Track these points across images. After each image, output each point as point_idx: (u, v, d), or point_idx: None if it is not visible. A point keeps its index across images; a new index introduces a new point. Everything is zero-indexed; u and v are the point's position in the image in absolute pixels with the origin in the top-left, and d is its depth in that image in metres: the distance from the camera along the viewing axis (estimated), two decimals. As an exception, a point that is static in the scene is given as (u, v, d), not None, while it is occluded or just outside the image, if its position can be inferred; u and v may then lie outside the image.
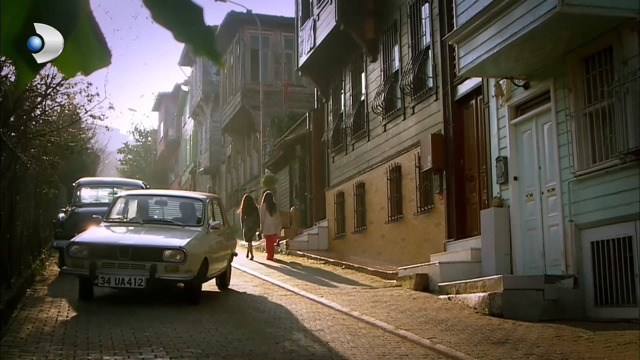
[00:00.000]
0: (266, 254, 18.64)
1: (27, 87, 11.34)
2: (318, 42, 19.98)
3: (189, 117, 47.72)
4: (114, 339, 7.28)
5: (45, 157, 15.17)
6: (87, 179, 17.56)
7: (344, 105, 20.40)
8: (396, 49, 16.75)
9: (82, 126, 20.72)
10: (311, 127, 23.59)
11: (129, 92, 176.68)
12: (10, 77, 11.80)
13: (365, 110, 18.45)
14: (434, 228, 14.23)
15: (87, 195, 15.39)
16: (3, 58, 10.00)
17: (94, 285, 9.85)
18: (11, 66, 10.96)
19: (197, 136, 45.80)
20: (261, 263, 17.49)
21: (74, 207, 14.37)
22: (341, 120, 20.38)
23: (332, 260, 16.94)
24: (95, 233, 10.59)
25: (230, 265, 12.68)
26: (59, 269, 14.03)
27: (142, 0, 1.25)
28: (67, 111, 16.28)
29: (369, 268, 14.70)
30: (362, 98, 18.92)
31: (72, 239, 10.14)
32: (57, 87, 13.54)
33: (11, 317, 8.36)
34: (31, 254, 13.46)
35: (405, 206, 15.87)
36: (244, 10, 31.01)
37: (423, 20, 15.37)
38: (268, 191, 19.99)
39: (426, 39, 15.16)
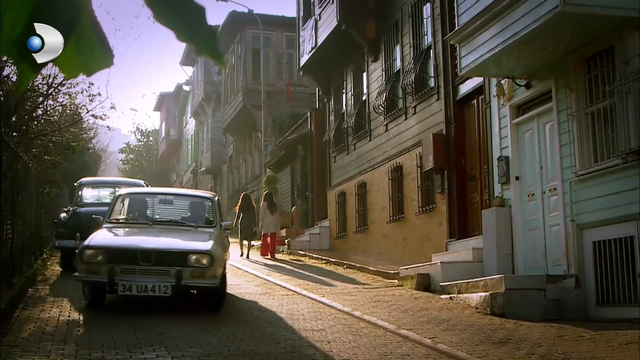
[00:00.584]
0: (259, 252, 18.74)
1: (28, 87, 11.33)
2: (319, 41, 19.97)
3: (190, 117, 47.73)
4: (115, 339, 7.28)
5: (46, 157, 15.18)
6: (89, 178, 17.59)
7: (346, 105, 20.39)
8: (397, 48, 16.74)
9: (83, 126, 20.73)
10: (313, 127, 23.60)
11: (131, 92, 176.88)
12: (12, 77, 11.82)
13: (367, 110, 18.44)
14: (436, 228, 14.22)
15: (88, 195, 15.39)
16: (5, 58, 10.01)
17: (112, 292, 8.95)
18: (13, 66, 10.97)
19: (199, 136, 45.79)
20: (262, 263, 17.49)
21: (75, 207, 14.38)
22: (342, 120, 20.37)
23: (333, 260, 16.94)
24: (108, 235, 9.70)
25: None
26: (61, 269, 14.07)
27: (144, 0, 1.25)
28: (68, 111, 16.27)
29: (370, 268, 14.70)
30: (364, 98, 18.91)
31: (85, 243, 9.13)
32: (59, 87, 13.53)
33: (13, 316, 8.37)
34: (33, 254, 13.47)
35: (407, 206, 15.86)
36: (246, 10, 31.05)
37: (424, 20, 15.37)
38: (268, 190, 20.07)
39: (427, 39, 15.16)
